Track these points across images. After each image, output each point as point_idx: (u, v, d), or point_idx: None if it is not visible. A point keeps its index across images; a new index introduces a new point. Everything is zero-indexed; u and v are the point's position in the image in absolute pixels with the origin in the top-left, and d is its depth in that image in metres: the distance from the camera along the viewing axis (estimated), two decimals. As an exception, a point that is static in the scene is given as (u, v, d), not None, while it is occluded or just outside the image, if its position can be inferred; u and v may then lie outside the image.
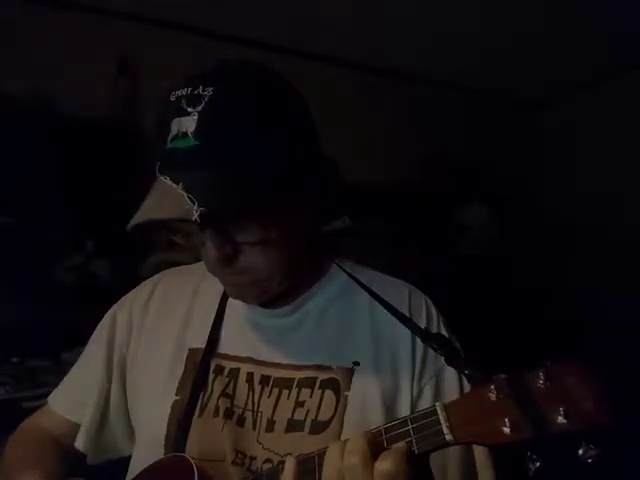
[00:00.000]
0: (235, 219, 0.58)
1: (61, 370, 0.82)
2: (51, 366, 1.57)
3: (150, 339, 0.74)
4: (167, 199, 0.53)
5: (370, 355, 0.68)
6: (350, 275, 0.72)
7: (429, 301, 0.74)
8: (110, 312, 0.79)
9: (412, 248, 2.45)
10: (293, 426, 0.64)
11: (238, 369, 0.69)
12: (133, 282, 0.82)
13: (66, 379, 0.80)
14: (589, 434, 0.38)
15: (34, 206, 1.83)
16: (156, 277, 0.82)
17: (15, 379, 1.55)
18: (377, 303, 0.69)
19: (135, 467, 0.69)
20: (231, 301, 0.74)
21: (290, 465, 0.52)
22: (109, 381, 0.74)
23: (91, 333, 0.80)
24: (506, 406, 0.41)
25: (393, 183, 2.56)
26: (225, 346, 0.71)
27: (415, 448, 0.46)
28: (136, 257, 1.84)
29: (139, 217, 0.54)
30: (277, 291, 0.66)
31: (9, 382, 1.53)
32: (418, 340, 0.68)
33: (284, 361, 0.68)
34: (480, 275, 2.03)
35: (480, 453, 0.61)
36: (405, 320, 0.67)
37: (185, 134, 0.54)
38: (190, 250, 0.67)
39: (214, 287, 0.75)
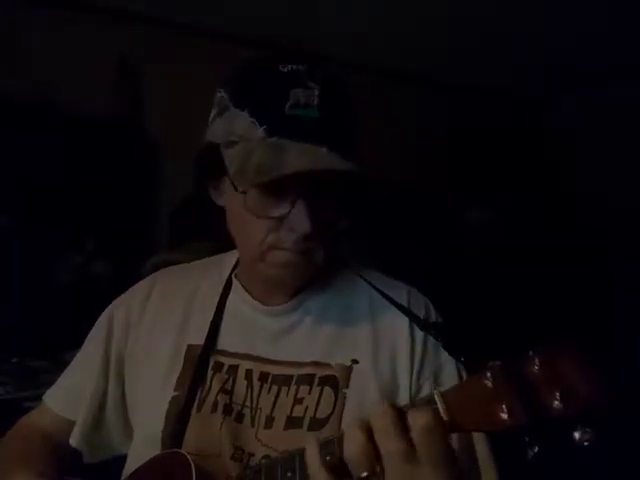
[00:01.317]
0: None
1: (61, 370, 0.82)
2: (51, 366, 1.57)
3: (148, 336, 0.74)
4: (310, 157, 0.57)
5: (369, 353, 0.68)
6: (351, 272, 0.73)
7: (428, 302, 0.74)
8: (107, 310, 0.79)
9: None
10: (292, 423, 0.64)
11: (237, 366, 0.69)
12: (133, 282, 0.82)
13: (62, 377, 0.80)
14: (585, 417, 0.38)
15: (34, 206, 1.83)
16: (153, 275, 0.82)
17: (15, 379, 1.55)
18: (377, 301, 0.70)
19: (132, 463, 0.68)
20: (230, 299, 0.74)
21: (313, 447, 0.48)
22: (106, 379, 0.74)
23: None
24: (502, 392, 0.41)
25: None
26: (224, 343, 0.71)
27: None
28: (136, 257, 1.84)
29: (295, 167, 0.56)
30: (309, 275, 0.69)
31: (9, 382, 1.53)
32: (417, 338, 0.68)
33: (283, 358, 0.68)
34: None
35: (483, 453, 0.61)
36: (404, 310, 0.67)
37: (308, 105, 0.59)
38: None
39: (213, 285, 0.75)
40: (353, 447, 0.44)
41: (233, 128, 0.61)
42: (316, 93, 0.60)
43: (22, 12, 2.00)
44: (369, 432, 0.44)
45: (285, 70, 0.61)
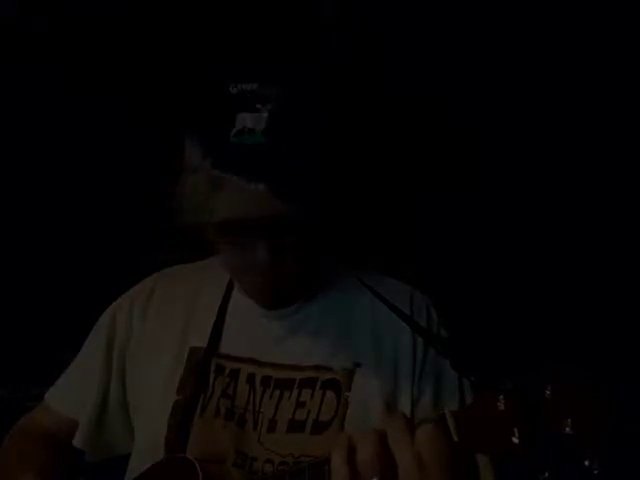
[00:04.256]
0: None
1: (62, 370, 0.82)
2: (51, 366, 1.56)
3: (151, 337, 0.73)
4: (247, 198, 0.53)
5: (371, 356, 0.68)
6: (352, 275, 0.72)
7: (430, 305, 0.74)
8: (109, 310, 0.79)
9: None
10: (294, 426, 0.64)
11: (239, 370, 0.68)
12: (134, 282, 0.82)
13: (64, 376, 0.80)
14: (596, 445, 0.38)
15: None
16: (155, 275, 0.81)
17: (15, 379, 1.54)
18: (379, 305, 0.70)
19: (134, 466, 0.69)
20: (233, 301, 0.74)
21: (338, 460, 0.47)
22: (108, 379, 0.74)
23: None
24: (515, 416, 0.41)
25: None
26: (226, 346, 0.71)
27: None
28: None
29: (223, 213, 0.55)
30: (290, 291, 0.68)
31: (9, 382, 1.53)
32: (419, 342, 0.68)
33: (285, 362, 0.68)
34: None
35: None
36: (410, 321, 0.67)
37: (253, 130, 0.54)
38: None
39: (215, 287, 0.75)
40: (367, 453, 0.44)
41: (192, 156, 0.59)
42: (264, 116, 0.55)
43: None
44: (384, 440, 0.44)
45: (234, 91, 0.57)
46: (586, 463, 0.38)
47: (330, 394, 0.65)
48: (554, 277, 1.21)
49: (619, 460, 0.38)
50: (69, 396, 0.77)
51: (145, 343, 0.73)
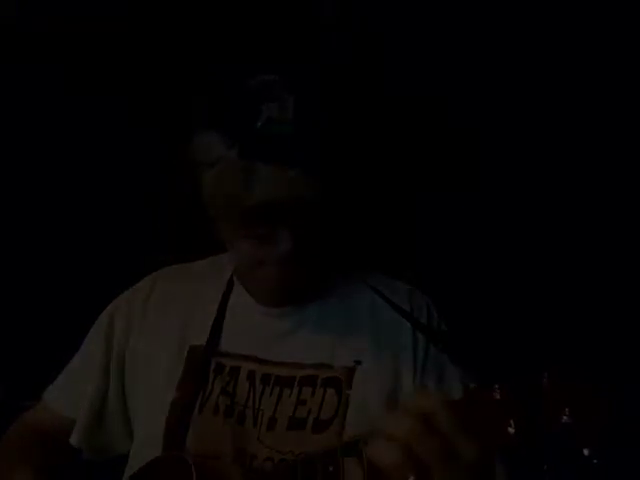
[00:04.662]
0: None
1: (60, 369, 0.82)
2: (50, 365, 1.56)
3: (150, 336, 0.73)
4: (279, 182, 0.55)
5: (372, 354, 0.68)
6: (352, 274, 0.73)
7: (430, 303, 0.75)
8: (108, 309, 0.79)
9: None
10: (295, 424, 0.64)
11: (239, 367, 0.69)
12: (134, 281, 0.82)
13: (62, 375, 0.80)
14: (595, 434, 0.38)
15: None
16: (155, 274, 0.81)
17: (13, 378, 1.54)
18: (379, 303, 0.70)
19: (133, 463, 0.69)
20: (232, 300, 0.74)
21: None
22: (107, 378, 0.74)
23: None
24: (511, 406, 0.41)
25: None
26: (226, 344, 0.71)
27: None
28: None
29: (259, 197, 0.56)
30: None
31: (7, 380, 1.52)
32: (420, 339, 0.69)
33: (285, 360, 0.68)
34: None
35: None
36: (411, 319, 0.67)
37: (282, 120, 0.56)
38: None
39: (215, 285, 0.75)
40: (392, 456, 0.40)
41: (209, 149, 0.59)
42: (290, 105, 0.56)
43: None
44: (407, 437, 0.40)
45: (254, 82, 0.58)
46: (585, 453, 0.38)
47: (331, 392, 0.65)
48: (554, 277, 1.21)
49: (619, 460, 0.38)
50: (67, 395, 0.77)
51: (144, 342, 0.73)
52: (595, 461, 0.37)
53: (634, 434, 0.42)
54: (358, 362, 0.67)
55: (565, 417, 0.39)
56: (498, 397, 0.42)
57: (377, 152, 1.20)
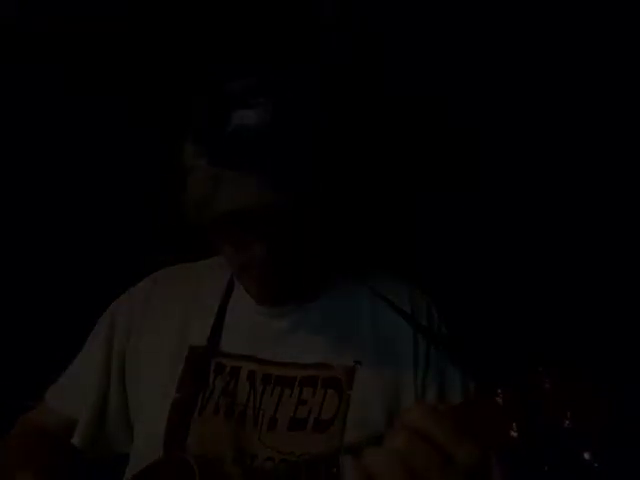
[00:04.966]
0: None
1: (61, 370, 0.82)
2: (51, 366, 1.56)
3: (150, 336, 0.73)
4: (246, 190, 0.55)
5: (372, 354, 0.68)
6: (353, 275, 0.73)
7: (430, 303, 0.75)
8: (109, 309, 0.79)
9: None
10: (296, 424, 0.64)
11: (239, 368, 0.69)
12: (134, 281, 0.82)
13: (64, 375, 0.80)
14: (595, 434, 0.38)
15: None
16: (155, 275, 0.81)
17: (14, 378, 1.54)
18: (379, 303, 0.70)
19: (134, 464, 0.69)
20: (233, 300, 0.74)
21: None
22: (108, 378, 0.74)
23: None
24: (513, 410, 0.41)
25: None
26: (226, 345, 0.71)
27: None
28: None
29: (224, 206, 0.55)
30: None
31: (9, 381, 1.52)
32: (420, 340, 0.69)
33: (286, 360, 0.68)
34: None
35: None
36: (411, 319, 0.67)
37: (251, 127, 0.55)
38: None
39: (215, 286, 0.75)
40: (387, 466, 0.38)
41: (188, 155, 0.60)
42: (263, 113, 0.55)
43: None
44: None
45: (230, 88, 0.58)
46: (586, 456, 0.38)
47: (331, 392, 0.66)
48: (554, 276, 1.21)
49: (619, 460, 0.38)
50: (69, 395, 0.77)
51: (145, 342, 0.74)
52: (595, 462, 0.38)
53: (634, 434, 0.42)
54: (358, 362, 0.67)
55: (566, 418, 0.39)
56: (501, 402, 0.42)
57: (377, 152, 1.20)
